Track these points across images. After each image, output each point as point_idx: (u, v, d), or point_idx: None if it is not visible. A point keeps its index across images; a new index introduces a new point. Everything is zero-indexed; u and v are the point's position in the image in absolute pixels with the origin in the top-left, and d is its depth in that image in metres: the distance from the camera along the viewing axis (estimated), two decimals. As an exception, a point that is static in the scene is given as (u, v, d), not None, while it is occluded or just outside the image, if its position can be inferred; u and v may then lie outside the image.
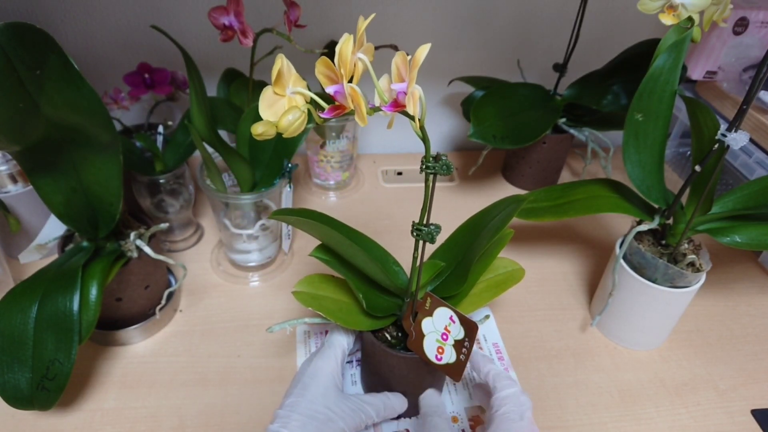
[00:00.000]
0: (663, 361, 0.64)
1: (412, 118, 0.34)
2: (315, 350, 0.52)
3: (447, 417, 0.48)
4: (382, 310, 0.51)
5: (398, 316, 0.52)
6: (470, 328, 0.45)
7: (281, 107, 0.34)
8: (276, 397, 0.57)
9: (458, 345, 0.46)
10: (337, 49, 0.32)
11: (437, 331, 0.47)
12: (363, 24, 0.33)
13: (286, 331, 0.65)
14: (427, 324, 0.47)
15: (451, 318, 0.46)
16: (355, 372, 0.60)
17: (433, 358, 0.47)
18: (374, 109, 0.34)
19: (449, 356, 0.46)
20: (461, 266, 0.52)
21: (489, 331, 0.66)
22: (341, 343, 0.52)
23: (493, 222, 0.52)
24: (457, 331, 0.46)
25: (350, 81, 0.33)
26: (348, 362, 0.61)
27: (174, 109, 0.83)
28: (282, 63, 0.33)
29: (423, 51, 0.32)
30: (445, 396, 0.58)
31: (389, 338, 0.52)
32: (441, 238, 0.58)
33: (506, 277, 0.56)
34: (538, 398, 0.59)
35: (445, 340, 0.46)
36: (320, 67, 0.33)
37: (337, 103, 0.34)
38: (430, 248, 0.55)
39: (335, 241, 0.48)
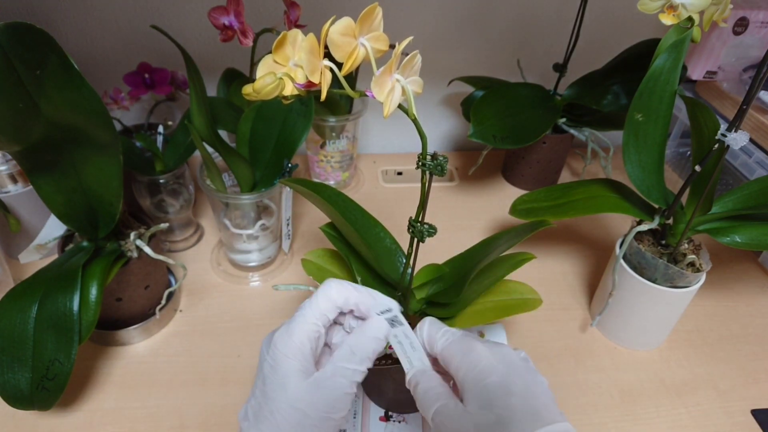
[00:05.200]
0: (663, 361, 0.64)
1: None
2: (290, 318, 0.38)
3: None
4: None
5: None
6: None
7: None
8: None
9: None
10: (323, 27, 0.33)
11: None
12: (371, 10, 0.33)
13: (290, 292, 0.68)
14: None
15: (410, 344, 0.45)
16: None
17: None
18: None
19: None
20: (464, 278, 0.52)
21: None
22: (322, 312, 0.37)
23: (504, 239, 0.52)
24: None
25: (335, 62, 0.34)
26: None
27: (174, 109, 0.83)
28: (288, 36, 0.34)
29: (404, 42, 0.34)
30: None
31: None
32: (452, 245, 0.58)
33: (518, 303, 0.53)
34: (538, 398, 0.59)
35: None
36: (306, 43, 0.34)
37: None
38: (446, 254, 0.56)
39: (339, 223, 0.48)
